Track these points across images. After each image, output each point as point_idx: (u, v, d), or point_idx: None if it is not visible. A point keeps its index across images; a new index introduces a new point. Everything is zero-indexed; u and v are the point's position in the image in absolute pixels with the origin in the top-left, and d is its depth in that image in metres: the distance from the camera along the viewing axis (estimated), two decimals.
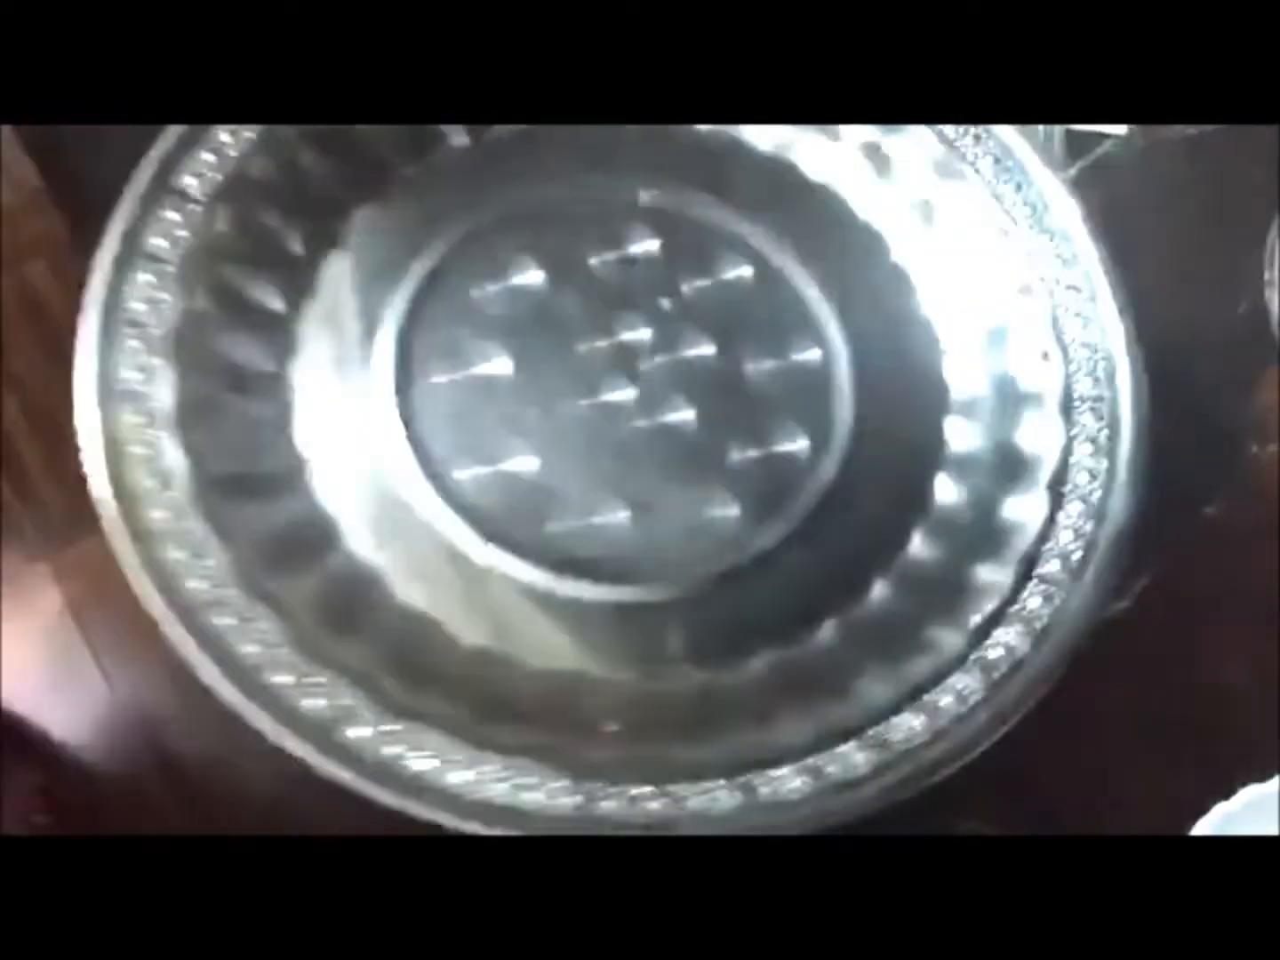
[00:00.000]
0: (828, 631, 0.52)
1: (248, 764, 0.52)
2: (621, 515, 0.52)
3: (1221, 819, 0.48)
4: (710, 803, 0.46)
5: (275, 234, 0.54)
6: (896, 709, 0.49)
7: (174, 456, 0.49)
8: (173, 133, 0.53)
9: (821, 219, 0.60)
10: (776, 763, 0.47)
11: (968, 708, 0.49)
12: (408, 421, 0.52)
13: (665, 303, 0.56)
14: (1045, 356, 0.56)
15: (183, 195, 0.52)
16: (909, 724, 0.49)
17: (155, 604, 0.46)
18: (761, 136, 0.60)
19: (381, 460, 0.52)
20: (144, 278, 0.51)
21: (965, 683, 0.50)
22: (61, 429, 0.49)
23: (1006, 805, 0.51)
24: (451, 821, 0.45)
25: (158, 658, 0.50)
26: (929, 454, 0.56)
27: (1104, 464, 0.54)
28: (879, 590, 0.53)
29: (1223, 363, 0.63)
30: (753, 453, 0.54)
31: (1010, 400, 0.57)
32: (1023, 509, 0.54)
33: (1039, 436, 0.55)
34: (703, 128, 0.60)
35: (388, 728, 0.46)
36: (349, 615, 0.49)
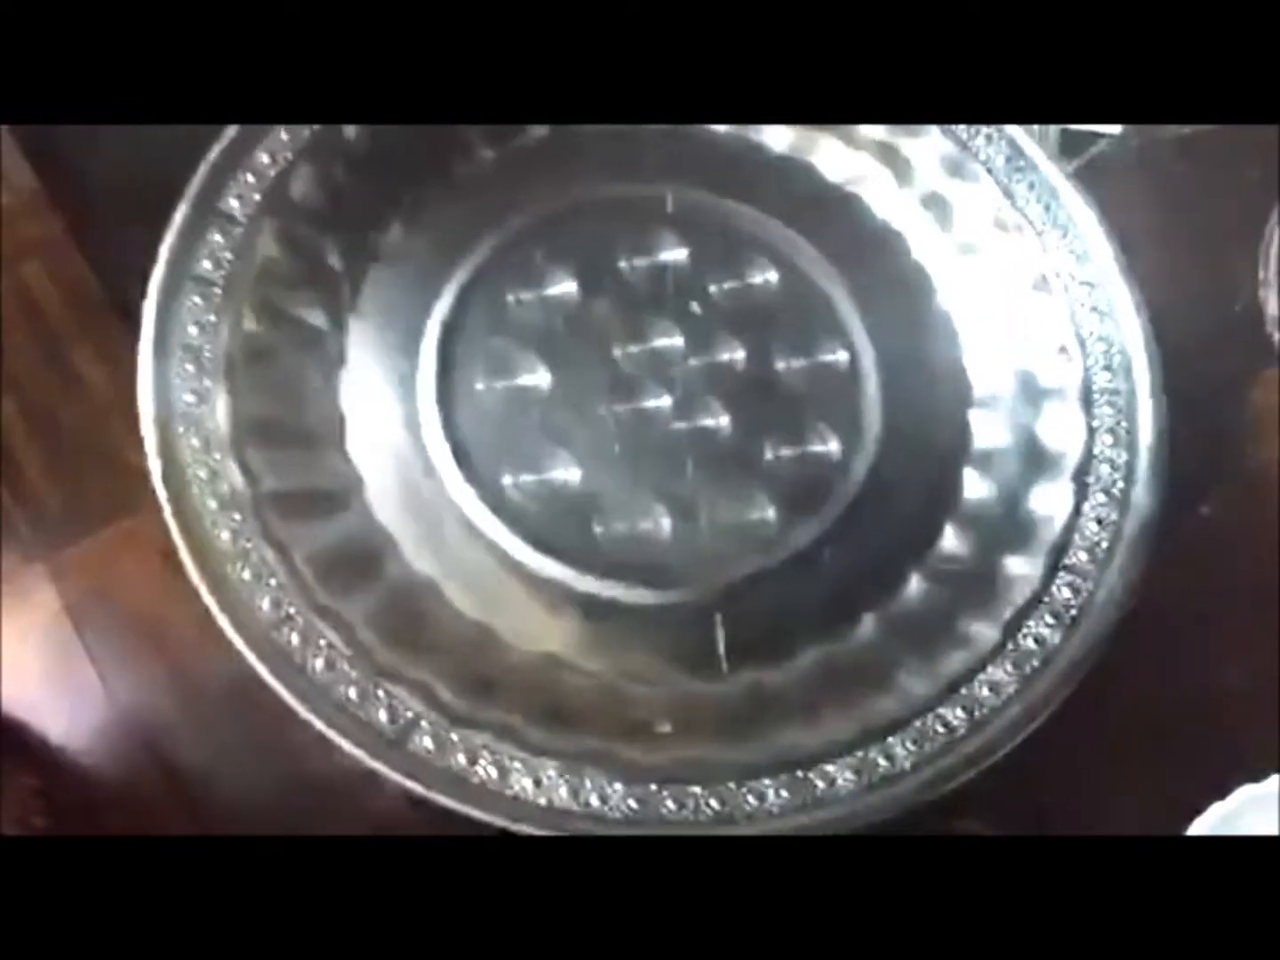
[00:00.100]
0: (867, 626, 0.54)
1: (244, 765, 0.54)
2: (663, 519, 0.54)
3: (1218, 819, 0.50)
4: (763, 801, 0.48)
5: (316, 251, 0.55)
6: (936, 702, 0.51)
7: (234, 478, 0.50)
8: (213, 155, 0.54)
9: (842, 221, 0.61)
10: (825, 759, 0.49)
11: (1003, 700, 0.51)
12: (452, 433, 0.53)
13: (695, 307, 0.57)
14: (1064, 351, 0.58)
15: (228, 218, 0.53)
16: (948, 717, 0.50)
17: (223, 624, 0.47)
18: (781, 141, 0.62)
19: (430, 472, 0.53)
20: (193, 301, 0.52)
21: (1000, 675, 0.51)
22: (58, 430, 0.50)
23: (1005, 805, 0.52)
24: (515, 826, 0.47)
25: (154, 658, 0.52)
26: (956, 449, 0.58)
27: (1124, 455, 0.55)
28: (914, 584, 0.55)
29: (1218, 362, 0.63)
30: (787, 453, 0.56)
31: (1032, 394, 0.58)
32: (1049, 501, 0.55)
33: (1061, 429, 0.57)
34: (724, 133, 0.61)
35: (451, 736, 0.48)
36: (409, 627, 0.50)
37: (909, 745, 0.50)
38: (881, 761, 0.49)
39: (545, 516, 0.53)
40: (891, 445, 0.56)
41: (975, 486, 0.57)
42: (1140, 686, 0.56)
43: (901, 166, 0.61)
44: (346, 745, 0.46)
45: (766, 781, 0.48)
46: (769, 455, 0.55)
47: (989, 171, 0.60)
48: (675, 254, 0.58)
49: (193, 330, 0.51)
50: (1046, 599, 0.53)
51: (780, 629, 0.53)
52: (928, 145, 0.61)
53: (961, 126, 0.60)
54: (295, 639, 0.48)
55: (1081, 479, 0.55)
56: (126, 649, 0.56)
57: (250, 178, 0.54)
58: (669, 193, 0.59)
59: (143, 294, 0.51)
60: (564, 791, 0.47)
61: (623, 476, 0.54)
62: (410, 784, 0.47)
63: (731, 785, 0.48)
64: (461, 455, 0.53)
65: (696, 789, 0.48)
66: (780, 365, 0.57)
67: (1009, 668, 0.52)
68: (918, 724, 0.50)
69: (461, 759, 0.47)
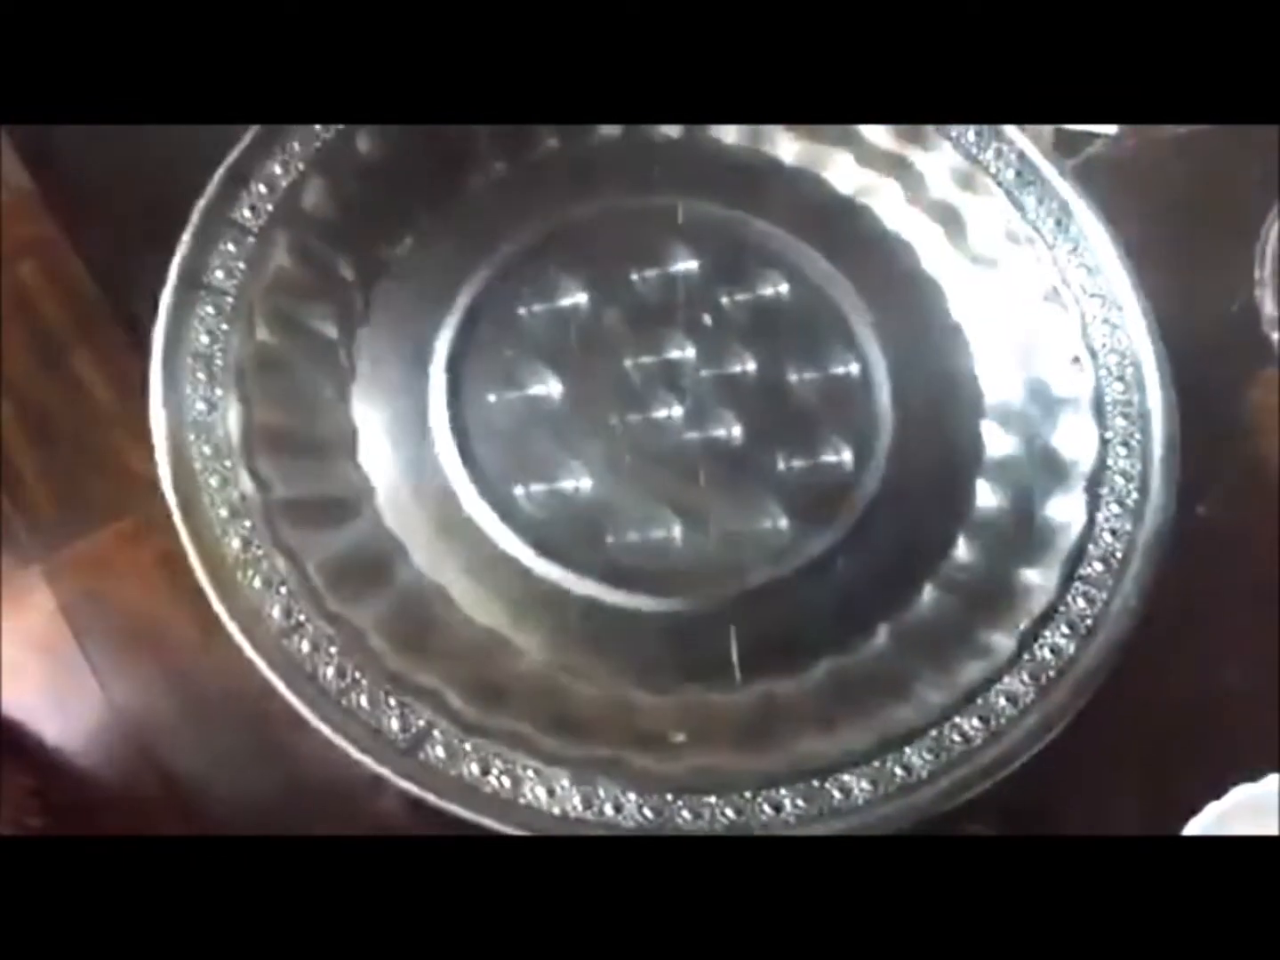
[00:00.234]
0: (881, 637, 0.53)
1: (240, 767, 0.53)
2: (675, 529, 0.53)
3: (1214, 819, 0.49)
4: (779, 811, 0.48)
5: (328, 262, 0.56)
6: (953, 712, 0.50)
7: (244, 485, 0.50)
8: (226, 165, 0.54)
9: (853, 232, 0.61)
10: (841, 769, 0.49)
11: (1019, 710, 0.51)
12: (464, 442, 0.53)
13: (707, 319, 0.57)
14: (1076, 361, 0.58)
15: (241, 228, 0.53)
16: (965, 727, 0.50)
17: (233, 631, 0.47)
18: (792, 153, 0.62)
19: (442, 481, 0.53)
20: (205, 310, 0.52)
21: (1016, 685, 0.51)
22: (54, 431, 0.50)
23: (1005, 805, 0.52)
24: (529, 834, 0.46)
25: (150, 659, 0.51)
26: (968, 459, 0.58)
27: (1138, 466, 0.55)
28: (928, 595, 0.55)
29: (1215, 362, 0.63)
30: (799, 463, 0.55)
31: (1044, 405, 0.58)
32: (1063, 511, 0.55)
33: (1074, 440, 0.57)
34: (735, 145, 0.62)
35: (464, 745, 0.47)
36: (419, 634, 0.50)
37: (926, 755, 0.49)
38: (898, 771, 0.49)
39: (557, 526, 0.53)
40: (904, 455, 0.56)
41: (988, 497, 0.57)
42: (1139, 686, 0.55)
43: (912, 179, 0.61)
44: (357, 754, 0.46)
45: (783, 791, 0.48)
46: (781, 465, 0.55)
47: (999, 185, 0.60)
48: (687, 265, 0.58)
49: (205, 339, 0.51)
50: (1062, 609, 0.53)
51: (793, 639, 0.53)
52: (938, 158, 0.61)
53: (972, 139, 0.61)
54: (306, 646, 0.47)
55: (1095, 490, 0.55)
56: (122, 650, 0.55)
57: (263, 188, 0.54)
58: (680, 205, 0.59)
59: (139, 295, 0.51)
60: (578, 801, 0.47)
61: (634, 487, 0.54)
62: (422, 793, 0.46)
63: (747, 795, 0.48)
64: (473, 465, 0.53)
65: (712, 799, 0.48)
66: (792, 376, 0.57)
67: (1025, 678, 0.51)
68: (934, 734, 0.50)
69: (474, 768, 0.47)
